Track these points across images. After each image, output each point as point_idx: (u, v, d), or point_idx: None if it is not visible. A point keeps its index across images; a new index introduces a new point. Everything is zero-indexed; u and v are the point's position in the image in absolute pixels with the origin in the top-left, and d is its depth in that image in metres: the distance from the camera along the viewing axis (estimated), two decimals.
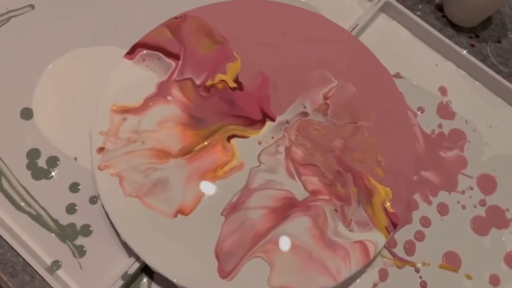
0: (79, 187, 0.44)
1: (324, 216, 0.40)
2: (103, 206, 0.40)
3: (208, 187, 0.40)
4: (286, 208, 0.40)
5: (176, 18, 0.46)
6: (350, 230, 0.40)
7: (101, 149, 0.40)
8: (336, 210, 0.40)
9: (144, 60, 0.44)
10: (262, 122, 0.43)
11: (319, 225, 0.40)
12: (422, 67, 0.50)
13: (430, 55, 0.51)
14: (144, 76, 0.43)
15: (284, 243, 0.39)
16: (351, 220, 0.40)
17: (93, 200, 0.44)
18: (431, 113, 0.48)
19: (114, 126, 0.41)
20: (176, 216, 0.39)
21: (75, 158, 0.45)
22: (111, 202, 0.39)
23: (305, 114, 0.44)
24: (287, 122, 0.43)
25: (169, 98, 0.43)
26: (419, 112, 0.48)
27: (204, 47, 0.45)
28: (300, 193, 0.41)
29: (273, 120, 0.43)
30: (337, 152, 0.42)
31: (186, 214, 0.39)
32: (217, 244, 0.38)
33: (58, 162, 0.45)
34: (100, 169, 0.40)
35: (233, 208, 0.40)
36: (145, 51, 0.44)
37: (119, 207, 0.39)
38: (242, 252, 0.38)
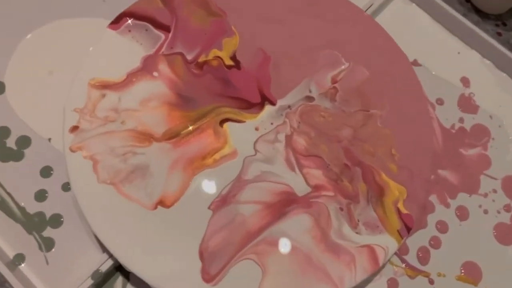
0: (52, 171, 0.39)
1: (328, 215, 0.35)
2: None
3: (194, 177, 0.35)
4: (284, 204, 0.35)
5: None
6: (356, 233, 0.34)
7: (74, 128, 0.35)
8: (341, 209, 0.35)
9: (130, 31, 0.39)
10: (260, 106, 0.38)
11: (321, 225, 0.34)
12: (443, 55, 0.45)
13: (452, 42, 0.46)
14: (129, 48, 0.38)
15: (280, 245, 0.33)
16: (358, 220, 0.35)
17: (67, 187, 0.39)
18: (451, 106, 0.43)
19: (91, 103, 0.36)
20: (156, 208, 0.34)
21: (49, 139, 0.40)
22: (82, 188, 0.34)
23: (310, 98, 0.38)
24: (289, 107, 0.38)
25: (155, 74, 0.38)
26: (437, 104, 0.42)
27: (199, 20, 0.40)
28: (300, 188, 0.35)
29: (273, 104, 0.38)
30: (345, 143, 0.37)
31: (168, 206, 0.34)
32: (201, 243, 0.33)
33: (29, 143, 0.40)
34: (72, 150, 0.35)
35: (222, 202, 0.34)
36: (131, 21, 0.39)
37: (91, 195, 0.34)
38: (230, 253, 0.33)
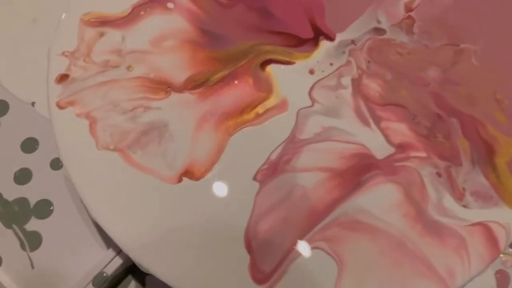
0: (37, 145, 0.30)
1: (421, 183, 0.25)
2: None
3: (231, 137, 0.25)
4: (359, 171, 0.25)
5: None
6: (463, 206, 0.24)
7: (63, 77, 0.26)
8: (439, 174, 0.25)
9: None
10: (314, 42, 0.28)
11: (413, 198, 0.24)
12: None
13: None
14: None
15: (359, 227, 0.24)
16: (464, 189, 0.25)
17: (57, 164, 0.29)
18: None
19: (85, 44, 0.26)
20: (180, 180, 0.24)
21: (33, 104, 0.31)
22: (76, 159, 0.24)
23: (379, 31, 0.28)
24: (352, 42, 0.28)
25: (169, 5, 0.28)
26: None
27: None
28: (379, 148, 0.25)
29: (331, 39, 0.28)
30: (433, 87, 0.27)
31: (197, 179, 0.24)
32: (247, 228, 0.23)
33: (7, 109, 0.31)
34: (60, 106, 0.25)
35: (272, 170, 0.24)
36: None
37: (89, 169, 0.24)
38: (289, 241, 0.23)
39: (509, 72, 0.28)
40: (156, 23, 0.27)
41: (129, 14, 0.27)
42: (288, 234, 0.23)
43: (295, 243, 0.23)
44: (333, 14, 0.29)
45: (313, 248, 0.23)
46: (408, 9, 0.29)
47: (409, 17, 0.29)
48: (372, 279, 0.23)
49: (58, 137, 0.25)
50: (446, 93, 0.27)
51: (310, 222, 0.24)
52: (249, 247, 0.23)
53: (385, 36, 0.28)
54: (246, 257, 0.23)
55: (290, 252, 0.23)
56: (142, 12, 0.28)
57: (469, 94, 0.27)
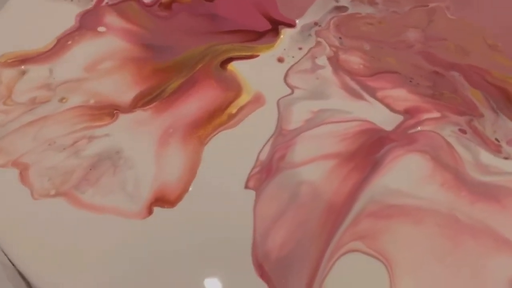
0: None
1: (447, 145, 0.20)
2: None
3: (206, 147, 0.20)
4: (371, 149, 0.20)
5: None
6: (505, 158, 0.20)
7: None
8: (463, 131, 0.21)
9: None
10: (274, 33, 0.24)
11: (445, 163, 0.19)
12: None
13: None
14: (53, 9, 0.25)
15: (394, 212, 0.18)
16: (497, 140, 0.20)
17: None
18: None
19: (4, 86, 0.21)
20: (150, 212, 0.18)
21: None
22: (6, 222, 0.18)
23: (340, 8, 0.25)
24: (316, 24, 0.25)
25: (101, 29, 0.24)
26: None
27: None
28: (385, 119, 0.21)
29: (291, 26, 0.25)
30: (418, 47, 0.24)
31: (172, 204, 0.18)
32: (254, 249, 0.17)
33: None
34: None
35: (266, 172, 0.19)
36: None
37: (26, 227, 0.18)
38: (313, 251, 0.17)
39: (488, 18, 0.25)
40: (88, 49, 0.23)
41: (54, 46, 0.23)
42: (309, 243, 0.17)
43: (322, 253, 0.17)
44: (286, 4, 0.26)
45: (346, 252, 0.17)
46: None
47: None
48: (434, 270, 0.17)
49: None
50: (434, 49, 0.24)
51: (332, 221, 0.18)
52: (263, 274, 0.17)
53: (348, 12, 0.25)
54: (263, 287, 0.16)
55: (318, 265, 0.17)
56: (70, 42, 0.23)
57: (458, 45, 0.24)
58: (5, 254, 0.17)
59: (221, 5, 0.25)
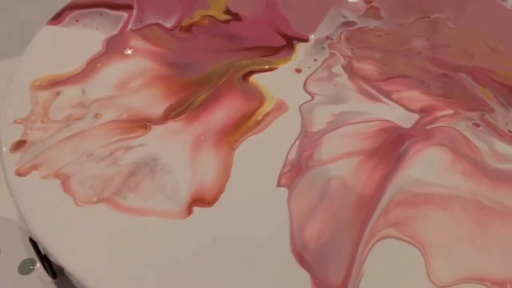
0: None
1: (464, 138, 0.21)
2: (37, 251, 0.20)
3: (237, 151, 0.21)
4: (393, 145, 0.21)
5: None
6: None
7: (19, 144, 0.21)
8: (476, 125, 0.22)
9: (77, 20, 0.27)
10: (289, 47, 0.26)
11: (464, 154, 0.21)
12: None
13: None
14: (81, 36, 0.26)
15: (422, 200, 0.19)
16: (510, 131, 0.22)
17: (27, 267, 0.23)
18: None
19: (40, 106, 0.23)
20: (190, 212, 0.19)
21: None
22: (54, 228, 0.18)
23: (349, 23, 0.27)
24: (327, 37, 0.26)
25: (127, 52, 0.26)
26: None
27: None
28: (402, 118, 0.22)
29: (305, 40, 0.26)
30: (425, 53, 0.25)
31: (210, 203, 0.19)
32: (293, 241, 0.18)
33: None
34: (20, 174, 0.20)
35: (297, 170, 0.20)
36: (77, 12, 0.28)
37: (73, 232, 0.18)
38: (349, 240, 0.18)
39: (486, 24, 0.27)
40: (117, 70, 0.24)
41: (84, 69, 0.25)
42: (344, 233, 0.18)
43: (357, 241, 0.18)
44: (298, 23, 0.27)
45: (381, 239, 0.18)
46: (368, 1, 0.29)
47: (372, 7, 0.28)
48: (466, 252, 0.18)
49: (24, 211, 0.19)
50: (441, 55, 0.25)
51: (364, 212, 0.19)
52: (303, 263, 0.17)
53: (357, 26, 0.27)
54: (305, 276, 0.17)
55: (355, 252, 0.18)
56: (99, 64, 0.25)
57: (463, 50, 0.26)
58: (54, 260, 0.18)
59: (237, 26, 0.27)
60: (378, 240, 0.18)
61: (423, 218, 0.18)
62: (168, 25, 0.27)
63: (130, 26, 0.27)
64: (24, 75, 0.24)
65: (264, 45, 0.26)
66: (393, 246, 0.18)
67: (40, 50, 0.26)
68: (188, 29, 0.27)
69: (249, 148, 0.21)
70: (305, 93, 0.23)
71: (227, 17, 0.28)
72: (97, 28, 0.27)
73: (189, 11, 0.28)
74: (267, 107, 0.23)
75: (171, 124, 0.22)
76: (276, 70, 0.25)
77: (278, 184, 0.20)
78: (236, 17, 0.28)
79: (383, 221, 0.18)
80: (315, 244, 0.18)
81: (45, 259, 0.21)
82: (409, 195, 0.19)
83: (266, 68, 0.25)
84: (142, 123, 0.22)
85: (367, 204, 0.19)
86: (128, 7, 0.28)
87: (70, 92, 0.23)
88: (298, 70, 0.25)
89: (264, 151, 0.21)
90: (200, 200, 0.19)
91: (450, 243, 0.18)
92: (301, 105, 0.23)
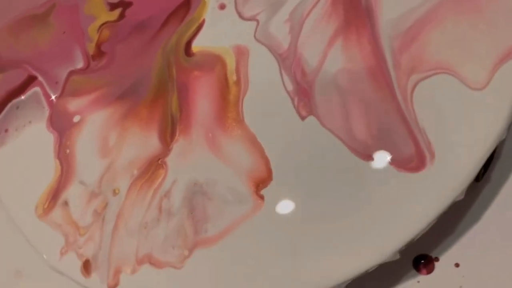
0: None
1: None
2: None
3: (246, 120, 0.21)
4: (353, 5, 0.21)
5: None
6: None
7: (85, 266, 0.21)
8: None
9: (6, 130, 0.25)
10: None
11: None
12: None
13: None
14: (24, 140, 0.24)
15: (417, 29, 0.19)
16: None
17: None
18: None
19: (66, 225, 0.22)
20: (262, 198, 0.19)
21: None
22: None
23: None
24: None
25: (76, 119, 0.24)
26: None
27: (38, 36, 0.26)
28: None
29: None
30: None
31: (270, 177, 0.20)
32: (352, 150, 0.19)
33: None
34: (112, 286, 0.21)
35: (303, 95, 0.20)
36: None
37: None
38: (392, 112, 0.19)
39: None
40: (86, 142, 0.23)
41: (61, 165, 0.23)
42: (382, 108, 0.19)
43: (397, 105, 0.19)
44: None
45: (413, 90, 0.19)
46: None
47: None
48: (481, 41, 0.18)
49: None
50: None
51: (382, 80, 0.19)
52: (369, 158, 0.19)
53: None
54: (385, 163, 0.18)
55: (404, 116, 0.19)
56: (67, 150, 0.23)
57: None
58: None
59: (134, 12, 0.25)
60: (412, 91, 0.19)
61: (429, 43, 0.19)
62: (79, 65, 0.25)
63: (51, 95, 0.25)
64: (20, 211, 0.23)
65: (172, 9, 0.24)
66: (426, 88, 0.19)
67: (4, 179, 0.24)
68: (99, 52, 0.25)
69: (252, 109, 0.21)
70: (247, 21, 0.22)
71: (117, 12, 0.25)
72: (30, 122, 0.25)
73: (82, 37, 0.25)
74: (230, 62, 0.22)
75: (176, 147, 0.22)
76: (205, 23, 0.23)
77: (302, 117, 0.20)
78: (123, 4, 0.25)
79: (402, 74, 0.19)
80: (371, 137, 0.19)
81: None
82: (403, 35, 0.19)
83: (196, 28, 0.23)
84: (155, 165, 0.22)
85: (378, 71, 0.19)
86: (32, 80, 0.26)
87: (74, 192, 0.23)
88: (222, 7, 0.23)
89: (265, 101, 0.21)
90: (259, 182, 0.20)
91: (463, 46, 0.19)
92: (254, 35, 0.22)
